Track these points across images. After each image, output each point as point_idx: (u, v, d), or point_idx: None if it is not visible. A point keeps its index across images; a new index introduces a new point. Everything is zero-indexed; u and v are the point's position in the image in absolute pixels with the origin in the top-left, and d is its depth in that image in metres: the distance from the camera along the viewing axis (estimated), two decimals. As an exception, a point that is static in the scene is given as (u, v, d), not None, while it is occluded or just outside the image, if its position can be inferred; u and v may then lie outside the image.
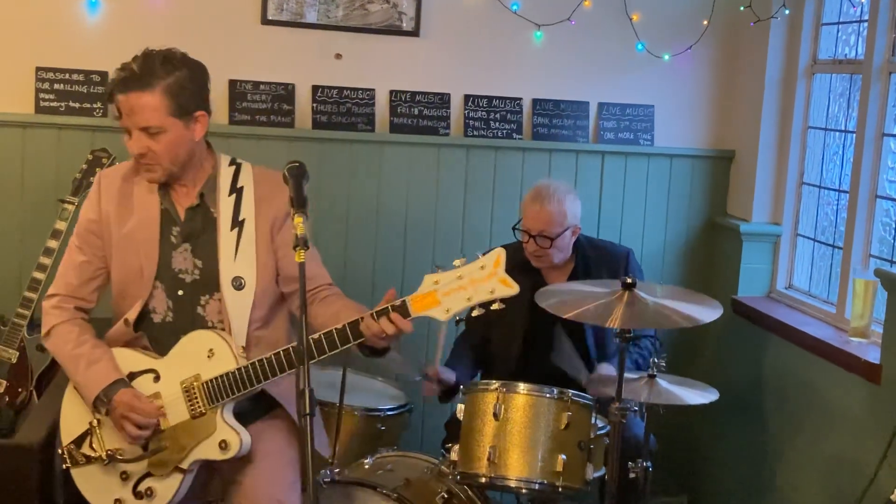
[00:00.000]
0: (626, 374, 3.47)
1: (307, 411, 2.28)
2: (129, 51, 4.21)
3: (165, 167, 2.94)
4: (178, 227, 3.02)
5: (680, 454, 4.91)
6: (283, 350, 2.80)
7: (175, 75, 2.91)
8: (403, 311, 2.68)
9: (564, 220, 3.92)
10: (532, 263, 4.00)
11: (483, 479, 3.33)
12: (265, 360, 2.81)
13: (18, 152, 4.21)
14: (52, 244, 3.88)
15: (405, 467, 3.58)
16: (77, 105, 4.23)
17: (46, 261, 3.87)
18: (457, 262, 2.66)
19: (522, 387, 3.35)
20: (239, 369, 2.84)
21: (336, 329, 2.74)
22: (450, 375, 3.92)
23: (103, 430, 2.98)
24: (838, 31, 4.53)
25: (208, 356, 2.89)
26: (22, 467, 3.07)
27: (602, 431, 3.49)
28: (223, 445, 2.86)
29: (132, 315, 3.01)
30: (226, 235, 2.99)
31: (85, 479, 3.03)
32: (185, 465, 2.90)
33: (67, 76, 4.22)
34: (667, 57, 4.78)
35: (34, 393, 3.87)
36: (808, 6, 4.58)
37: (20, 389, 3.88)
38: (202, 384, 2.89)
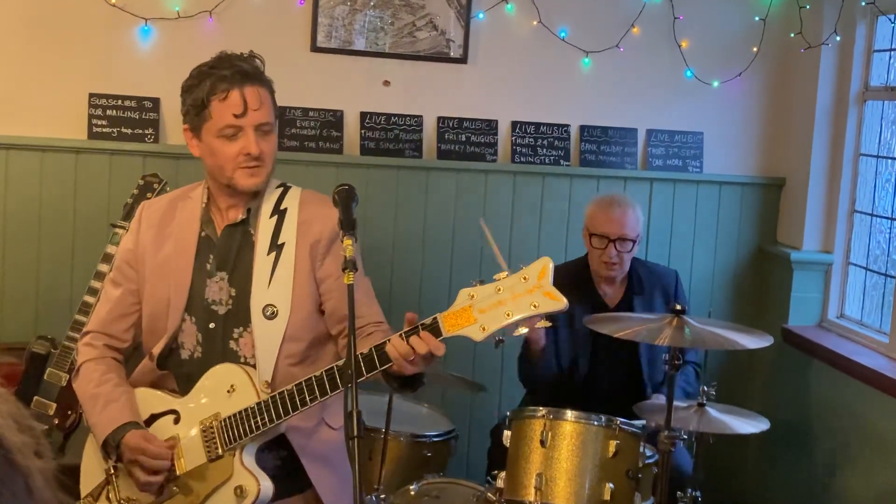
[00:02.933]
0: (676, 403, 3.44)
1: (355, 433, 2.20)
2: (180, 78, 4.28)
3: (268, 171, 2.75)
4: (213, 252, 2.78)
5: (729, 484, 4.85)
6: (305, 380, 2.55)
7: (267, 78, 2.81)
8: (434, 330, 2.39)
9: (638, 224, 3.98)
10: (604, 272, 3.97)
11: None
12: (286, 392, 2.55)
13: (71, 177, 4.26)
14: (103, 268, 3.91)
15: (451, 494, 3.56)
16: (129, 131, 4.29)
17: (97, 284, 3.90)
18: (498, 276, 2.37)
19: (570, 414, 3.33)
20: (259, 404, 2.59)
21: (362, 354, 2.46)
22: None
23: (120, 480, 2.74)
24: (890, 58, 4.49)
25: (228, 392, 2.65)
26: (71, 489, 3.08)
27: (651, 460, 3.45)
28: (239, 492, 2.60)
29: (157, 349, 2.79)
30: (261, 259, 2.73)
31: None
32: None
33: (120, 102, 4.28)
34: (716, 84, 4.75)
35: (83, 416, 3.89)
36: (859, 33, 4.54)
37: (69, 412, 3.90)
38: (220, 423, 2.64)
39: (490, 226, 3.68)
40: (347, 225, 2.51)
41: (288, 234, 2.76)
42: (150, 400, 2.79)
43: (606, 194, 4.09)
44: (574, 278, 4.03)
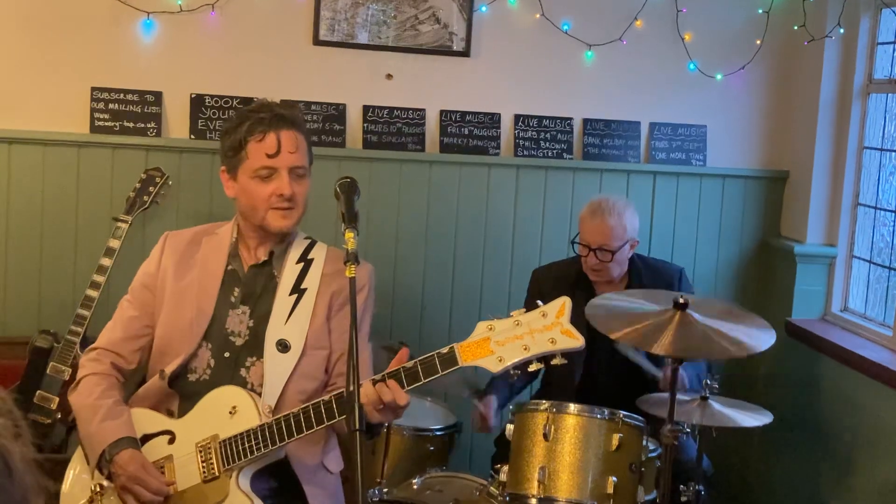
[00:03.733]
0: (679, 396, 3.43)
1: (356, 426, 2.22)
2: (182, 71, 4.31)
3: (300, 214, 2.84)
4: (239, 287, 2.87)
5: (733, 477, 4.84)
6: (312, 404, 2.57)
7: (305, 125, 2.89)
8: (451, 360, 2.42)
9: (624, 233, 3.90)
10: (590, 278, 3.98)
11: (533, 501, 3.30)
12: (291, 416, 2.57)
13: (73, 171, 4.26)
14: (106, 262, 3.92)
15: (454, 488, 3.56)
16: (131, 125, 4.28)
17: (100, 279, 3.91)
18: (515, 313, 2.41)
19: (573, 407, 3.32)
20: (262, 426, 2.60)
21: (333, 397, 2.53)
22: (496, 417, 3.91)
23: (104, 500, 2.70)
24: (894, 51, 4.47)
25: (230, 413, 2.66)
26: (57, 475, 3.07)
27: (654, 454, 3.45)
28: None
29: (170, 368, 2.81)
30: (282, 298, 2.83)
31: None
32: None
33: (122, 96, 4.27)
34: (719, 76, 4.74)
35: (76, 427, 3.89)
36: (863, 25, 4.52)
37: (72, 406, 3.90)
38: (219, 444, 2.64)
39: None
40: (349, 218, 2.56)
41: (311, 282, 2.86)
42: (145, 420, 2.79)
43: (597, 199, 4.02)
44: (571, 276, 4.03)
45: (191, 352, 2.82)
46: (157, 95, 4.31)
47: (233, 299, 2.86)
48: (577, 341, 2.33)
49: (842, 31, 4.52)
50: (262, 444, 2.59)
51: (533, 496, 3.28)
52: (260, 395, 2.74)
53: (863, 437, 4.18)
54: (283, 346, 2.78)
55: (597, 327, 3.36)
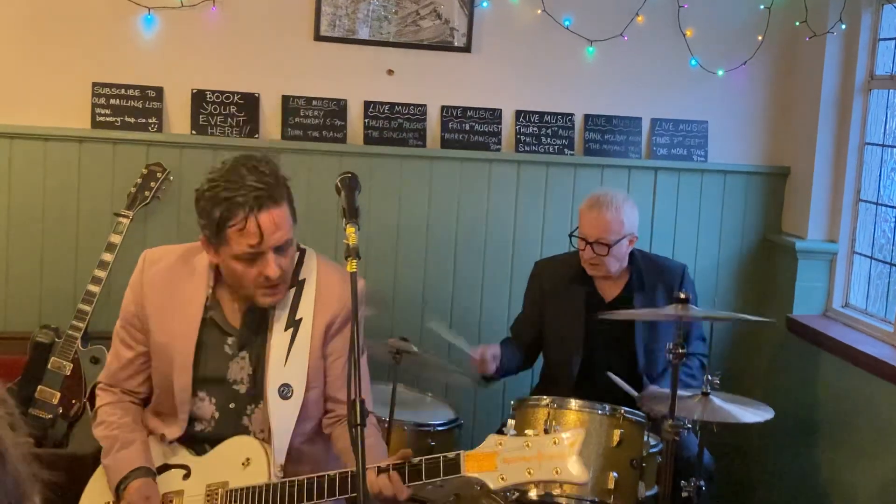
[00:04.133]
0: (680, 392, 3.43)
1: (358, 422, 2.23)
2: (183, 67, 4.30)
3: (287, 283, 2.74)
4: (232, 336, 2.79)
5: (734, 473, 4.84)
6: (319, 476, 2.54)
7: (285, 182, 2.69)
8: (455, 466, 2.39)
9: (622, 227, 3.89)
10: (588, 272, 3.97)
11: (534, 496, 3.31)
12: (297, 483, 2.54)
13: (75, 166, 4.26)
14: (107, 257, 3.92)
15: (455, 483, 3.55)
16: (132, 120, 4.28)
17: (101, 273, 3.91)
18: (529, 432, 2.38)
19: (574, 403, 3.33)
20: (268, 485, 2.58)
21: (339, 474, 2.50)
22: (495, 348, 3.86)
23: None
24: (896, 46, 4.48)
25: (243, 465, 2.66)
26: (75, 477, 3.08)
27: (655, 449, 3.45)
28: None
29: (171, 435, 2.79)
30: (279, 336, 2.74)
31: None
32: None
33: (123, 91, 4.27)
34: (721, 72, 4.74)
35: (87, 405, 3.90)
36: (864, 21, 4.52)
37: (74, 401, 3.91)
38: (227, 492, 2.64)
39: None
40: (351, 214, 2.53)
41: (305, 310, 2.77)
42: (168, 451, 2.81)
43: (597, 192, 4.01)
44: (571, 270, 4.02)
45: (186, 420, 2.78)
46: (159, 91, 4.31)
47: (227, 350, 2.79)
48: (581, 477, 2.30)
49: (843, 27, 4.51)
50: (264, 502, 2.59)
51: (534, 492, 3.29)
52: (267, 441, 2.71)
53: (864, 433, 4.18)
54: (286, 393, 2.72)
55: (608, 317, 3.39)
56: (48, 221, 4.26)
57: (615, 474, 3.26)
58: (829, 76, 4.62)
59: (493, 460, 2.35)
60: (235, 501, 2.62)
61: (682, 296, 3.35)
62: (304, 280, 2.79)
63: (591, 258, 3.91)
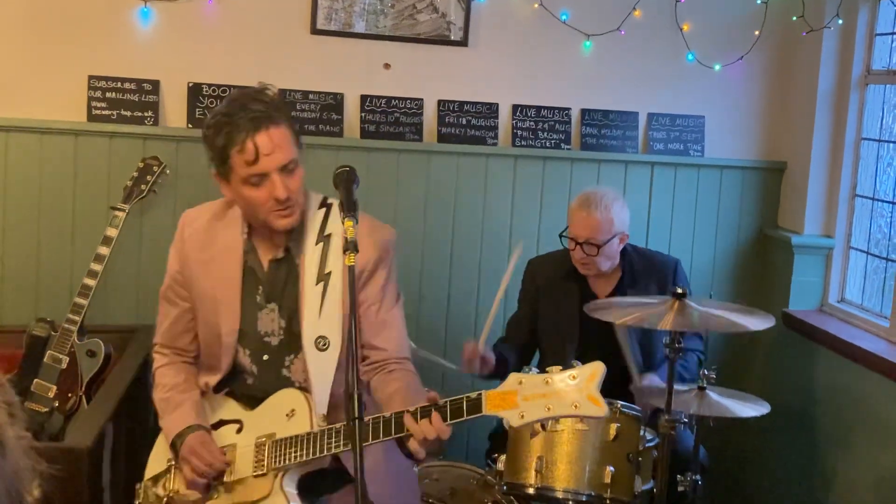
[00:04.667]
0: (676, 386, 3.44)
1: (356, 415, 2.25)
2: (180, 60, 4.29)
3: (301, 206, 2.79)
4: (262, 285, 2.86)
5: (730, 468, 4.85)
6: (373, 418, 2.57)
7: (287, 109, 2.79)
8: (476, 405, 2.42)
9: (612, 227, 3.88)
10: (579, 271, 3.97)
11: (530, 490, 3.31)
12: (334, 431, 2.62)
13: (71, 160, 4.25)
14: (104, 251, 3.91)
15: (451, 477, 3.57)
16: (128, 113, 4.28)
17: (97, 267, 3.90)
18: (550, 369, 2.40)
19: (553, 421, 3.32)
20: (310, 434, 2.66)
21: (382, 418, 2.53)
22: (490, 355, 3.83)
23: (176, 473, 2.87)
24: (892, 41, 4.47)
25: (288, 416, 2.74)
26: (71, 471, 3.08)
27: (651, 444, 3.46)
28: None
29: (213, 381, 2.91)
30: (310, 290, 2.80)
31: None
32: None
33: (119, 84, 4.27)
34: (717, 67, 4.74)
35: (83, 398, 3.90)
36: (861, 16, 4.52)
37: (70, 395, 3.91)
38: (273, 443, 2.72)
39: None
40: (348, 207, 2.56)
41: (334, 263, 2.82)
42: (224, 407, 2.90)
43: (587, 191, 4.01)
44: (564, 267, 4.02)
45: (230, 363, 2.88)
46: (155, 84, 4.30)
47: (258, 299, 2.85)
48: (600, 410, 2.30)
49: (840, 21, 4.51)
50: (307, 453, 2.65)
51: (530, 486, 3.30)
52: (308, 392, 2.78)
53: (860, 428, 4.19)
54: (323, 344, 2.78)
55: (598, 316, 3.37)
56: (44, 215, 4.25)
57: (611, 468, 3.26)
58: (825, 71, 4.62)
59: (513, 398, 2.37)
60: (281, 451, 2.69)
61: (679, 290, 3.35)
62: (330, 234, 2.85)
63: (581, 258, 3.90)
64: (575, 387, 2.31)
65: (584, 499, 3.27)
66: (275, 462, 2.69)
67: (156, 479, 2.94)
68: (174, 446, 2.81)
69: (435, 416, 2.44)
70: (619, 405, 3.32)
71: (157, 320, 3.06)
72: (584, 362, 3.90)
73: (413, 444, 2.48)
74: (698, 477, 3.51)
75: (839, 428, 4.32)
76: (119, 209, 3.98)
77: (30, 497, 1.29)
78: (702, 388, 3.55)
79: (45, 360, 3.90)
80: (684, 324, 3.26)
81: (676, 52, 4.70)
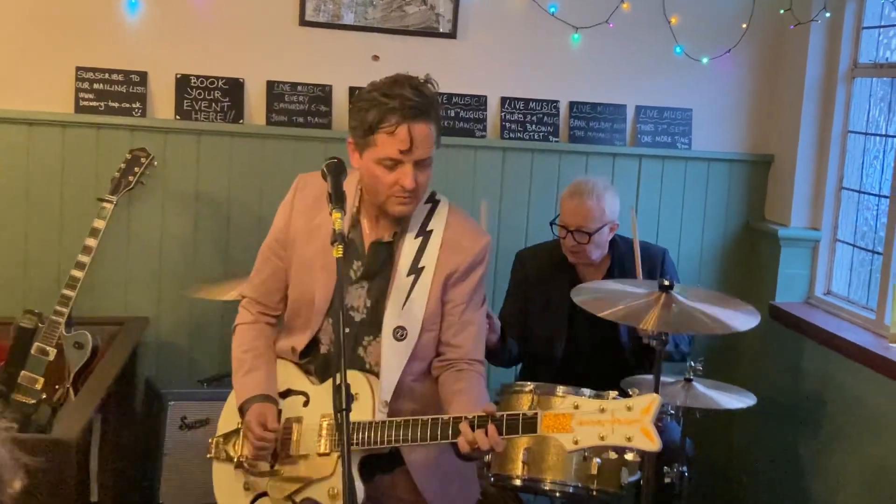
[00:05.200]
0: (663, 378, 3.45)
1: (343, 406, 2.28)
2: (168, 51, 4.28)
3: (420, 199, 2.85)
4: (360, 261, 2.88)
5: (716, 460, 4.87)
6: (419, 419, 2.63)
7: (439, 107, 2.81)
8: (532, 425, 2.45)
9: (603, 215, 3.90)
10: (569, 259, 3.99)
11: (517, 482, 3.32)
12: (395, 424, 2.64)
13: (58, 151, 4.24)
14: (91, 243, 3.90)
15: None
16: (116, 105, 4.26)
17: (85, 259, 3.89)
18: (608, 393, 2.41)
19: (559, 389, 3.34)
20: (371, 422, 2.67)
21: (441, 419, 2.58)
22: (496, 321, 3.80)
23: (245, 438, 2.90)
24: (879, 35, 4.49)
25: (353, 399, 2.70)
26: (59, 463, 3.08)
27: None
28: (332, 493, 2.70)
29: (300, 345, 2.92)
30: (400, 280, 2.82)
31: (218, 475, 2.99)
32: (297, 499, 2.77)
33: (107, 76, 4.25)
34: (705, 60, 4.75)
35: (71, 390, 3.89)
36: (848, 9, 4.53)
37: (57, 386, 3.90)
38: (331, 424, 2.76)
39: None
40: (336, 199, 2.59)
41: (429, 259, 2.85)
42: (293, 376, 2.93)
43: (578, 180, 4.02)
44: (554, 258, 4.04)
45: (317, 327, 2.88)
46: (143, 75, 4.29)
47: (353, 274, 2.87)
48: (652, 445, 2.29)
49: (828, 15, 4.52)
50: (366, 440, 2.66)
51: (518, 477, 3.31)
52: (377, 376, 2.80)
53: (846, 420, 4.21)
54: (401, 335, 2.80)
55: (586, 308, 3.38)
56: (32, 206, 4.24)
57: (598, 460, 3.27)
58: (812, 64, 4.63)
59: (568, 423, 2.38)
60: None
61: (666, 282, 3.36)
62: (431, 231, 2.88)
63: (572, 246, 3.92)
64: (630, 418, 2.31)
65: (570, 490, 3.28)
66: (337, 444, 2.70)
67: (227, 437, 2.97)
68: (241, 410, 2.85)
69: (491, 428, 2.47)
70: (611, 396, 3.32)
71: (250, 274, 3.07)
72: (573, 350, 3.95)
73: (463, 446, 2.52)
74: (685, 468, 3.53)
75: (825, 419, 4.34)
76: (107, 201, 3.97)
77: (10, 489, 1.29)
78: (688, 380, 3.57)
79: (32, 351, 3.89)
80: (667, 323, 3.25)
81: (664, 44, 4.71)
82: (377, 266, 2.86)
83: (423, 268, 2.83)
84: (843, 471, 4.21)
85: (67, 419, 3.31)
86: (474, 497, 3.04)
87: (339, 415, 2.28)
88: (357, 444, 2.66)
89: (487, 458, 3.40)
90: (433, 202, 2.95)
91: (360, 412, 2.70)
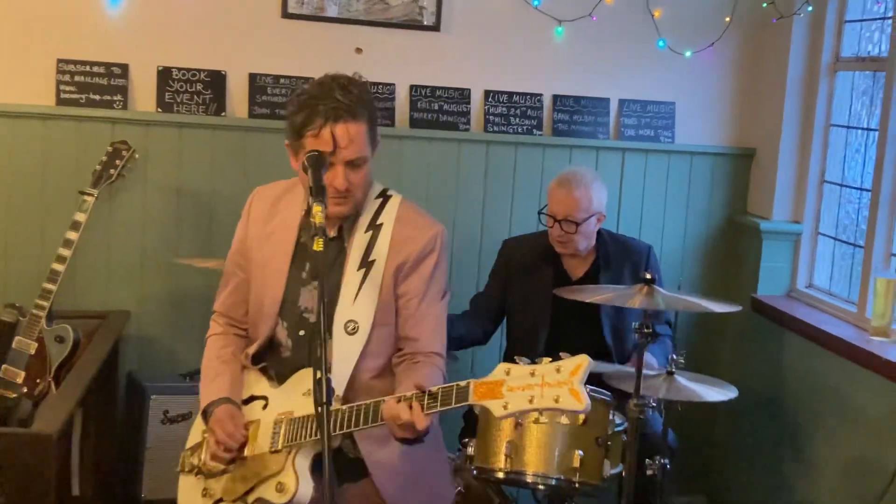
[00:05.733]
0: (646, 371, 3.46)
1: (324, 401, 2.28)
2: (149, 44, 4.26)
3: (357, 199, 2.84)
4: (309, 262, 2.88)
5: (698, 452, 4.89)
6: (360, 404, 2.60)
7: (372, 104, 2.83)
8: (464, 394, 2.42)
9: (590, 205, 3.92)
10: (556, 249, 4.00)
11: (500, 474, 3.33)
12: (345, 410, 2.61)
13: (39, 144, 4.22)
14: (72, 236, 3.89)
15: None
16: (97, 97, 4.24)
17: (66, 252, 3.88)
18: (545, 360, 2.36)
19: (538, 413, 3.34)
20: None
21: (363, 405, 2.57)
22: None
23: (206, 443, 2.92)
24: (861, 29, 4.50)
25: (304, 395, 2.74)
26: (40, 457, 3.07)
27: (620, 428, 3.48)
28: (279, 488, 2.68)
29: (251, 350, 2.94)
30: (351, 275, 2.83)
31: (182, 486, 3.00)
32: (250, 499, 2.75)
33: (88, 68, 4.23)
34: (688, 54, 4.75)
35: (52, 384, 3.88)
36: (831, 3, 4.54)
37: (38, 380, 3.88)
38: (289, 421, 2.75)
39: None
40: (317, 192, 2.57)
41: (379, 252, 2.85)
42: (255, 383, 2.93)
43: (566, 171, 4.04)
44: (539, 248, 4.05)
45: (269, 332, 2.90)
46: (124, 68, 4.27)
47: (303, 275, 2.88)
48: (579, 405, 2.25)
49: (810, 8, 4.53)
50: (314, 432, 2.65)
51: (500, 470, 3.31)
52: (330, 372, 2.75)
53: (827, 412, 4.23)
54: (352, 328, 2.80)
55: (571, 296, 3.40)
56: (13, 199, 4.22)
57: (580, 452, 3.28)
58: (795, 58, 4.65)
59: (499, 389, 2.35)
60: (295, 429, 2.72)
61: (648, 276, 3.37)
62: (381, 224, 2.88)
63: (559, 236, 3.93)
64: (559, 379, 2.29)
65: (553, 483, 3.29)
66: (289, 439, 2.72)
67: (193, 450, 2.99)
68: (205, 415, 2.86)
69: (414, 404, 2.46)
70: (588, 390, 3.33)
71: (220, 286, 3.09)
72: (555, 341, 3.96)
73: (390, 425, 2.50)
74: (667, 461, 3.54)
75: (807, 412, 4.36)
76: (88, 194, 3.96)
77: None
78: (670, 373, 3.58)
79: (13, 345, 3.88)
80: (652, 303, 3.29)
81: (648, 38, 4.71)
82: (327, 264, 2.84)
83: (373, 261, 2.83)
84: (823, 462, 4.23)
85: (48, 413, 3.30)
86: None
87: (318, 409, 2.28)
88: (308, 435, 2.67)
89: (470, 450, 3.41)
90: (384, 197, 2.95)
91: (311, 407, 2.63)
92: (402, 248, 2.85)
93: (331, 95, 2.72)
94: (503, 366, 2.39)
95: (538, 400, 2.30)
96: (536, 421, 3.30)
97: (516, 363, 2.39)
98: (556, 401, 2.27)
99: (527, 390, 2.31)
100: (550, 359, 2.33)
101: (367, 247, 2.85)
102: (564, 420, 3.13)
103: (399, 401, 2.48)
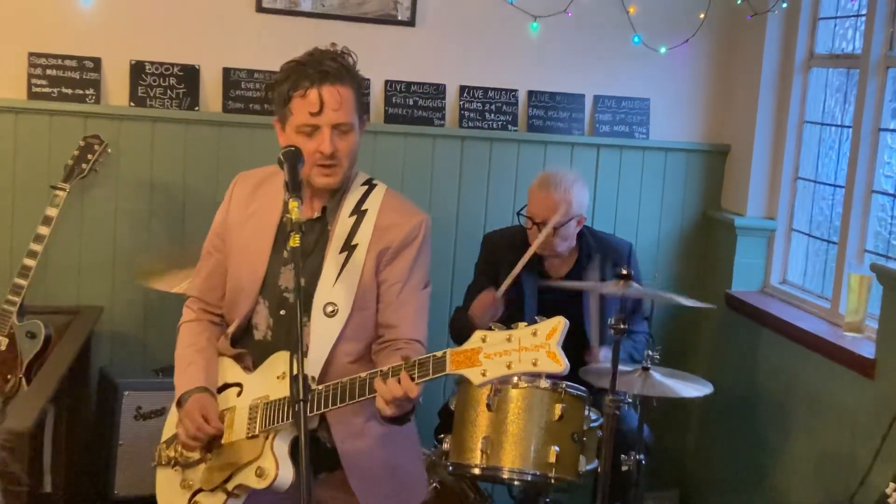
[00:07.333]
0: (621, 367, 3.47)
1: (301, 397, 2.26)
2: (122, 37, 4.23)
3: (345, 170, 2.80)
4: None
5: (673, 447, 4.91)
6: (341, 381, 2.58)
7: (360, 78, 2.83)
8: (441, 364, 2.39)
9: (570, 208, 3.90)
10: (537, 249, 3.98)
11: (476, 471, 3.32)
12: (321, 390, 2.60)
13: (10, 138, 4.18)
14: (43, 231, 3.85)
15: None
16: (69, 91, 4.20)
17: (37, 247, 3.84)
18: (520, 324, 2.35)
19: (516, 378, 3.34)
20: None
21: (349, 379, 2.55)
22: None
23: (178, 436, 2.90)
24: (835, 26, 4.52)
25: (278, 378, 2.73)
26: (11, 454, 3.04)
27: (595, 423, 3.48)
28: (259, 473, 2.66)
29: (231, 329, 2.91)
30: (332, 257, 2.81)
31: (160, 480, 2.97)
32: (230, 487, 2.72)
33: (60, 62, 4.19)
34: (663, 50, 4.76)
35: (23, 380, 3.85)
36: (805, 0, 4.56)
37: (9, 377, 3.85)
38: (265, 405, 2.72)
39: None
40: (293, 187, 2.56)
41: (362, 237, 2.83)
42: (228, 370, 2.90)
43: (547, 172, 4.03)
44: (521, 244, 4.03)
45: (248, 310, 2.87)
46: (97, 62, 4.23)
47: (285, 254, 2.85)
48: (558, 367, 2.23)
49: (784, 5, 4.55)
50: (291, 414, 2.61)
51: (476, 466, 3.31)
52: (305, 355, 2.73)
53: (801, 408, 4.25)
54: (331, 310, 2.78)
55: (554, 286, 3.42)
56: (-17, 194, 4.18)
57: (556, 448, 3.28)
58: (769, 55, 4.66)
59: (476, 357, 2.33)
60: (270, 413, 2.70)
61: (624, 272, 3.38)
62: (366, 210, 2.87)
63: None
64: (536, 343, 2.28)
65: (529, 478, 3.29)
66: (266, 423, 2.70)
67: (168, 442, 2.95)
68: (179, 404, 2.83)
69: (404, 374, 2.44)
70: (564, 385, 3.34)
71: (193, 274, 3.07)
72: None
73: (379, 402, 2.49)
74: (642, 456, 3.55)
75: (781, 407, 4.38)
76: (59, 188, 3.92)
77: None
78: (646, 369, 3.59)
79: (-17, 341, 3.85)
80: (629, 291, 3.31)
81: (622, 34, 4.71)
82: (310, 244, 2.84)
83: (356, 245, 2.82)
84: (797, 457, 4.25)
85: (20, 410, 3.27)
86: (417, 500, 3.01)
87: (296, 406, 2.26)
88: (284, 417, 2.65)
89: (446, 445, 3.40)
90: (370, 185, 2.93)
91: (286, 390, 2.64)
92: (385, 233, 2.83)
93: (318, 61, 2.75)
94: (479, 333, 2.36)
95: (516, 365, 2.28)
96: (516, 386, 3.30)
97: (491, 329, 2.36)
98: (535, 364, 2.26)
99: (504, 356, 2.30)
100: (526, 323, 2.32)
101: (350, 231, 2.83)
102: (543, 384, 3.12)
103: (386, 377, 2.46)
